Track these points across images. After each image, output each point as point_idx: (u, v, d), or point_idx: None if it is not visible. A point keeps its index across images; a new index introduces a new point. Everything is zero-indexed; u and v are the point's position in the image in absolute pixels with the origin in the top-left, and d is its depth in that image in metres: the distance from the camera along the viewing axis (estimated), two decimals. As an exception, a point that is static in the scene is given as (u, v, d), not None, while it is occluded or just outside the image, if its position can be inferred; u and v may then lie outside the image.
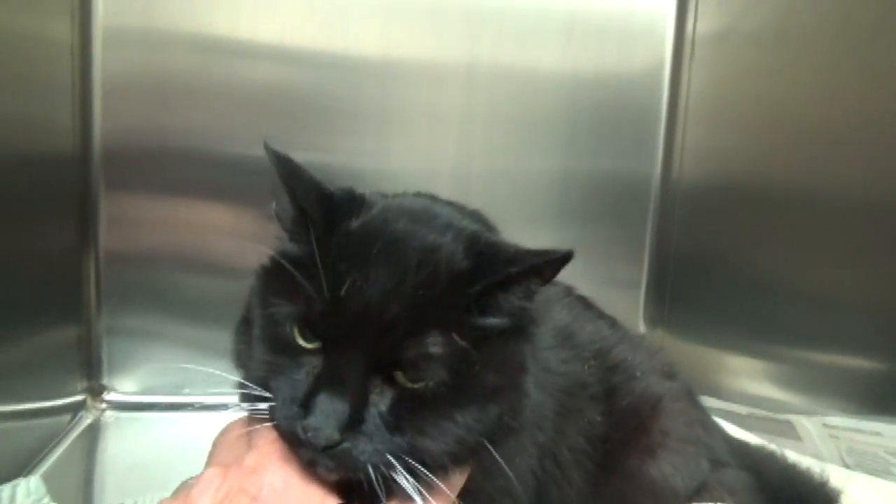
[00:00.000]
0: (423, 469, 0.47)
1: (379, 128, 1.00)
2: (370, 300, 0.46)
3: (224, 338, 0.55)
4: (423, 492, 0.47)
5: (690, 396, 0.74)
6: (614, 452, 0.64)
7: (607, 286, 1.07)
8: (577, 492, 0.62)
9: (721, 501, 0.64)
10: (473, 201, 1.03)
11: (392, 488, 0.47)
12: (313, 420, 0.45)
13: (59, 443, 0.86)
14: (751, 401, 1.04)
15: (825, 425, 0.98)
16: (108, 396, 0.96)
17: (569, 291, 0.77)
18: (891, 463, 0.87)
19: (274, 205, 0.53)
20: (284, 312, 0.49)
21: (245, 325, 0.53)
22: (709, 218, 1.07)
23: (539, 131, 1.04)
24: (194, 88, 0.95)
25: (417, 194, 0.59)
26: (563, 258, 0.48)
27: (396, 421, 0.46)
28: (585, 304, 0.78)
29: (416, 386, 0.47)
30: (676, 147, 1.06)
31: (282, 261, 0.49)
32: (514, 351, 0.51)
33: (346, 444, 0.45)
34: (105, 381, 0.97)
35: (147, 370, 0.97)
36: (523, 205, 1.05)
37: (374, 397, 0.47)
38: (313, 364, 0.48)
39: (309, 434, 0.45)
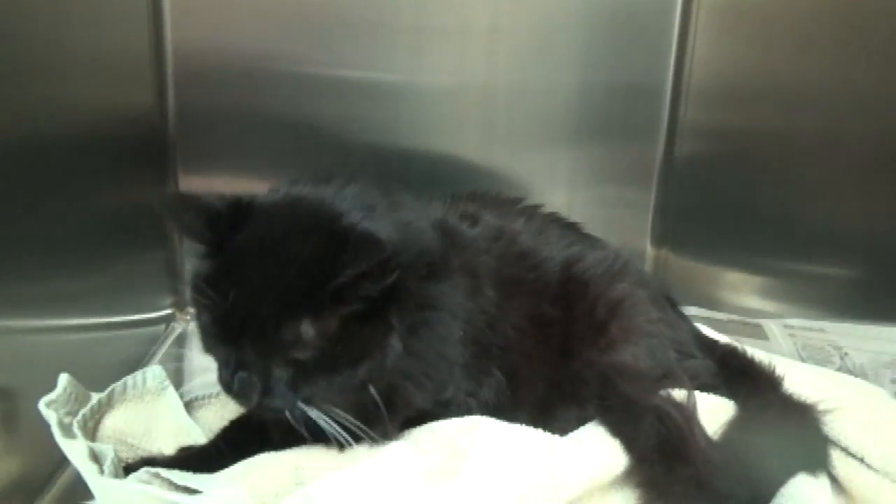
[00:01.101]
0: (335, 409, 0.63)
1: (412, 43, 1.03)
2: (248, 304, 0.60)
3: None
4: (333, 424, 0.63)
5: (656, 300, 0.83)
6: (572, 343, 0.76)
7: (618, 208, 1.11)
8: (536, 363, 0.74)
9: (683, 385, 0.73)
10: (498, 118, 1.08)
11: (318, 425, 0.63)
12: (236, 394, 0.63)
13: (159, 346, 1.00)
14: (732, 309, 1.14)
15: (785, 326, 1.11)
16: (192, 310, 1.11)
17: (550, 218, 0.87)
18: (832, 354, 1.01)
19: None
20: (202, 320, 0.65)
21: None
22: (710, 139, 1.07)
23: (558, 43, 1.04)
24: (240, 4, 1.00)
25: (309, 189, 0.68)
26: (374, 272, 0.58)
27: (296, 385, 0.62)
28: (565, 229, 0.87)
29: (304, 359, 0.61)
30: (687, 59, 1.04)
31: (196, 278, 0.64)
32: (379, 322, 0.63)
33: (264, 403, 0.62)
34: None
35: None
36: (543, 122, 1.08)
37: (278, 371, 0.62)
38: (230, 351, 0.63)
39: (237, 401, 0.64)
